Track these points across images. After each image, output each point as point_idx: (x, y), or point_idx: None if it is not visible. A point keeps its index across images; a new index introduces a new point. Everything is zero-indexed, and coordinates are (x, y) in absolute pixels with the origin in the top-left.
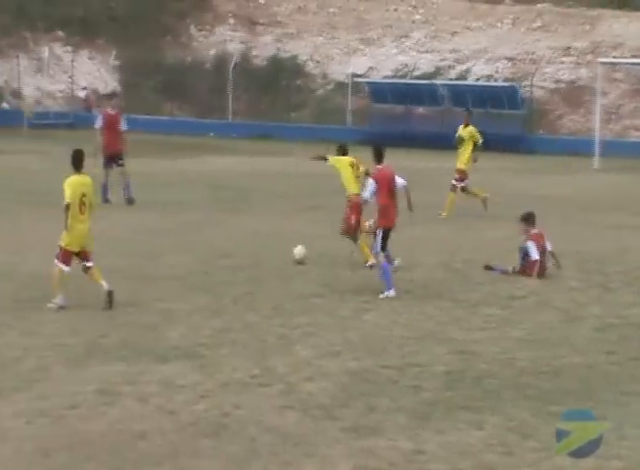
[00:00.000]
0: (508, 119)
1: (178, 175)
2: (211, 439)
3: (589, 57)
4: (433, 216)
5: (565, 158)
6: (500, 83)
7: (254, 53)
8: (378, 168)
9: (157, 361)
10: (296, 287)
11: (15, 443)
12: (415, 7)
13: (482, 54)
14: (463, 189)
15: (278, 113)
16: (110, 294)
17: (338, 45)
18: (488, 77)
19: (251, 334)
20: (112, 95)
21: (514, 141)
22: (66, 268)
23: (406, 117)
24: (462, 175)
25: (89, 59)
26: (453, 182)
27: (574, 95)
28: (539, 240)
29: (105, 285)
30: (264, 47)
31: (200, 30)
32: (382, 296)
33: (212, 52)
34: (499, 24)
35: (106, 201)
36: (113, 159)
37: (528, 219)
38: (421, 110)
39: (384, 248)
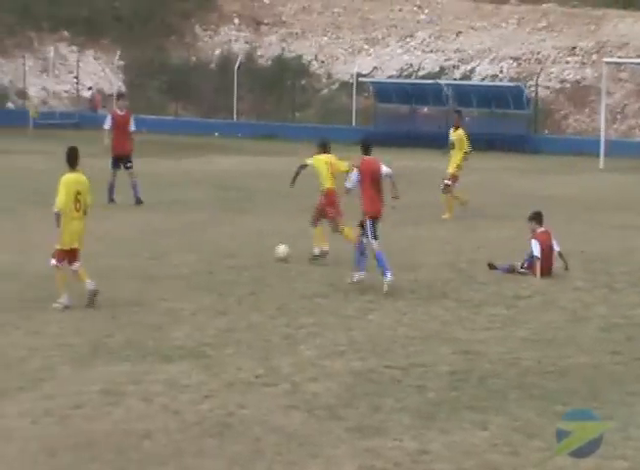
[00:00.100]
0: (513, 119)
1: (183, 175)
2: (216, 438)
3: (594, 57)
4: (437, 216)
5: (570, 158)
6: (505, 83)
7: (259, 53)
8: (362, 159)
9: (161, 361)
10: (300, 287)
11: (20, 442)
12: (420, 7)
13: (487, 54)
14: (446, 188)
15: (283, 112)
16: (94, 293)
17: (342, 45)
18: (493, 77)
19: (255, 334)
20: (119, 95)
21: (519, 141)
22: (60, 264)
23: (411, 116)
24: (453, 179)
25: (94, 59)
26: (446, 182)
27: (580, 95)
28: (544, 239)
29: (90, 284)
30: (269, 47)
31: (204, 30)
32: (354, 278)
33: (217, 52)
34: (504, 24)
35: (111, 201)
36: (121, 160)
37: (535, 218)
38: (426, 110)
39: (376, 236)
